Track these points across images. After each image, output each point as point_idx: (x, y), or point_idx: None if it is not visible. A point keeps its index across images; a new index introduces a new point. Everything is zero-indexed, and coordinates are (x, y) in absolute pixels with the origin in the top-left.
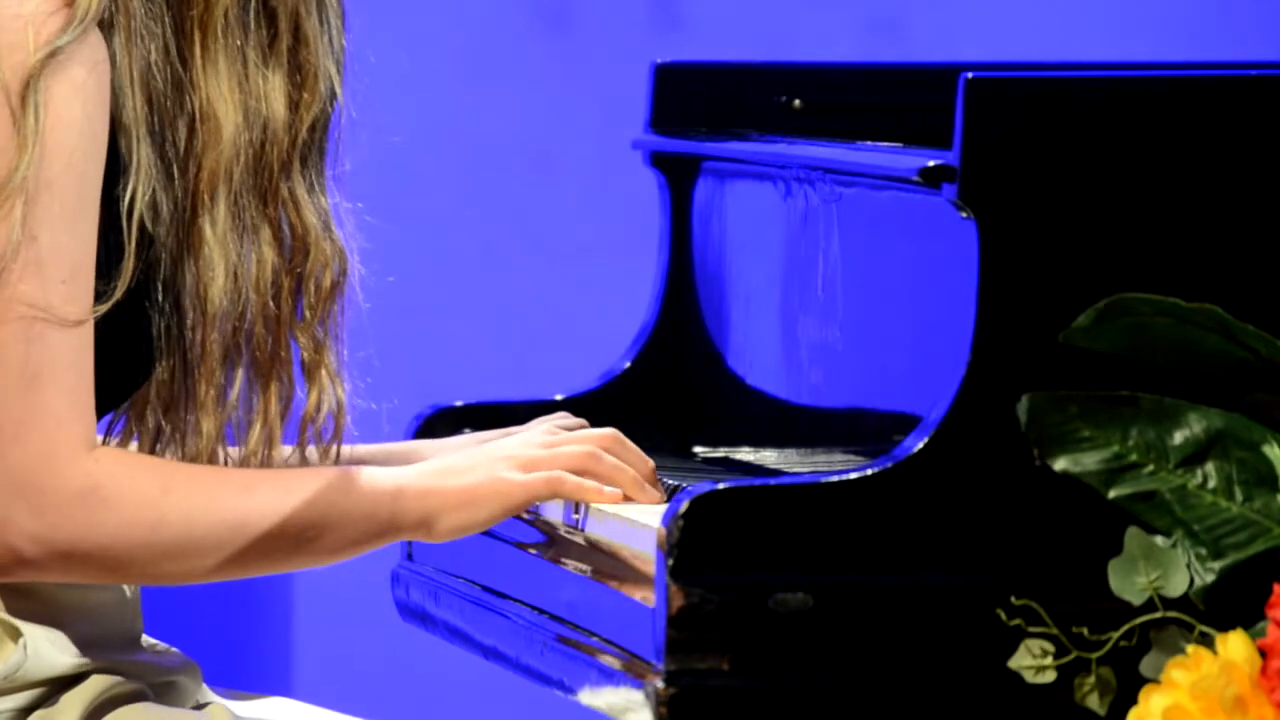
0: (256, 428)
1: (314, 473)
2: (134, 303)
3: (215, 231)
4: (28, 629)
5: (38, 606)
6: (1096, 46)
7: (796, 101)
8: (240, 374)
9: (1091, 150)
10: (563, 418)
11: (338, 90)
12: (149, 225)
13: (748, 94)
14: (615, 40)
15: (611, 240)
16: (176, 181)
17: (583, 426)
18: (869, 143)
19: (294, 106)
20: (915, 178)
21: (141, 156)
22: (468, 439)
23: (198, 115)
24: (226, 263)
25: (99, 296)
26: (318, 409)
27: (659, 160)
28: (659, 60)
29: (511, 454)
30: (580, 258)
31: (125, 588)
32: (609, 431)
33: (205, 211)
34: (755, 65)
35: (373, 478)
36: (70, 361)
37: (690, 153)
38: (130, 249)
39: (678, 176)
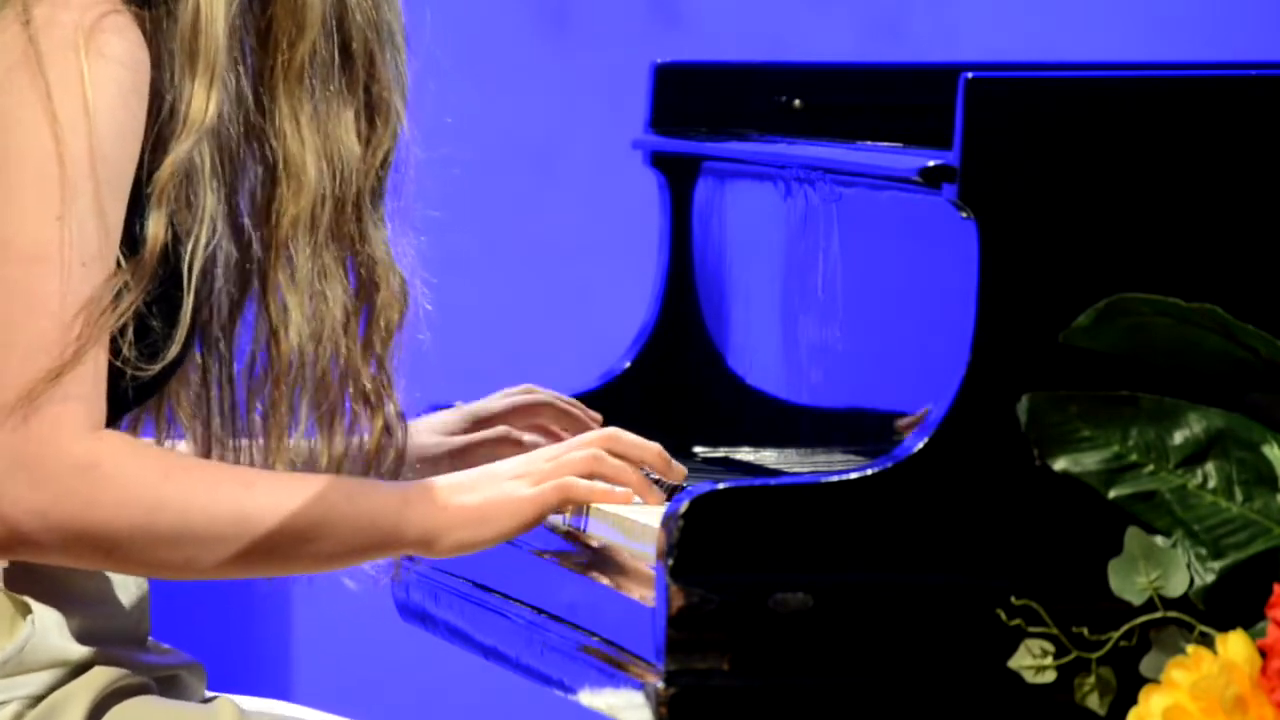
0: (321, 467)
1: (320, 477)
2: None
3: (294, 279)
4: (38, 608)
5: (50, 589)
6: (1096, 46)
7: (796, 101)
8: (304, 415)
9: (1091, 150)
10: (522, 391)
11: (404, 123)
12: (208, 273)
13: (748, 94)
14: (615, 40)
15: (611, 240)
16: (247, 231)
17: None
18: (869, 143)
19: (366, 144)
20: (915, 178)
21: (206, 205)
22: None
23: (279, 164)
24: (302, 310)
25: (157, 346)
26: (379, 444)
27: (659, 160)
28: (659, 60)
29: (518, 471)
30: (580, 258)
31: (135, 586)
32: (606, 431)
33: (284, 260)
34: (755, 65)
35: (379, 488)
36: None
37: (690, 153)
38: (189, 298)
39: (678, 176)
